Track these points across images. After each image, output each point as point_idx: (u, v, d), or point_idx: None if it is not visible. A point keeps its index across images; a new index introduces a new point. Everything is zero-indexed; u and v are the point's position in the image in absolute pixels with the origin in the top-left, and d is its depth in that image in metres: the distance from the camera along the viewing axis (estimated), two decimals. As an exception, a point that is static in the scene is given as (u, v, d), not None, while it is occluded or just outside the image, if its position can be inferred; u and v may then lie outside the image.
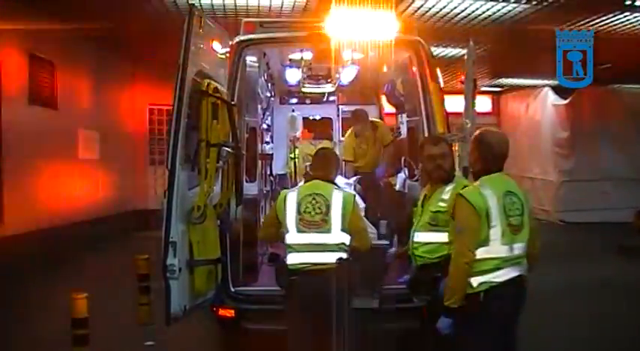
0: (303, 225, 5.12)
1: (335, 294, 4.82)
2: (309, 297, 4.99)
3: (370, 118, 9.42)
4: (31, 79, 11.72)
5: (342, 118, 11.01)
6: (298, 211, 5.15)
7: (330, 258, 4.99)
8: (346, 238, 5.13)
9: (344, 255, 5.04)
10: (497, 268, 4.16)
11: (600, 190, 17.65)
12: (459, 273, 4.21)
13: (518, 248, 4.23)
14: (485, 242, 4.17)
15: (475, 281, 4.18)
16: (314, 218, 5.12)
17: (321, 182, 5.35)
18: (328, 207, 5.14)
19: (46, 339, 7.44)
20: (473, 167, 4.56)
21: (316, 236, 5.10)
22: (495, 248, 4.17)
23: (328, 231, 5.11)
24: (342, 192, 5.37)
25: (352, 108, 10.74)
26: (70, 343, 6.01)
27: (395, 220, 6.94)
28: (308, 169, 9.45)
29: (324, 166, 5.53)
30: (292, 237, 5.16)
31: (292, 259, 5.16)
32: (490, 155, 4.40)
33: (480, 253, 4.17)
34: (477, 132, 4.66)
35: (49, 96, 12.46)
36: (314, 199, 5.18)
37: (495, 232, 4.16)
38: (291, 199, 5.22)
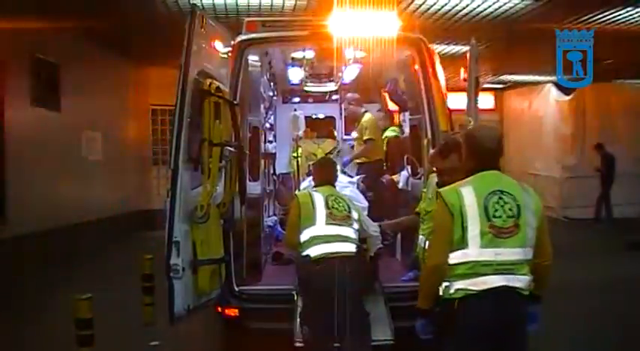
0: (333, 219, 5.61)
1: (357, 275, 5.44)
2: (333, 281, 5.32)
3: (364, 110, 9.36)
4: (34, 80, 11.73)
5: (344, 117, 11.00)
6: (327, 207, 5.66)
7: (350, 247, 5.54)
8: (357, 236, 5.73)
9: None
10: (475, 274, 3.81)
11: (603, 185, 17.63)
12: (429, 274, 4.02)
13: (508, 254, 3.83)
14: (461, 244, 3.85)
15: (452, 287, 3.89)
16: (341, 213, 5.68)
17: (333, 187, 6.03)
18: (349, 207, 5.78)
19: (51, 339, 7.45)
20: (465, 167, 4.21)
21: (342, 229, 5.60)
22: (473, 251, 3.83)
23: (350, 226, 5.67)
24: (353, 202, 6.11)
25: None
26: (74, 343, 6.02)
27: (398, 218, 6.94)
28: (311, 168, 9.47)
29: (328, 173, 6.20)
30: (320, 229, 5.58)
31: (317, 250, 5.50)
32: (480, 151, 4.08)
33: (456, 256, 3.87)
34: (466, 130, 4.56)
35: (53, 97, 12.47)
36: (337, 198, 5.80)
37: (472, 234, 3.83)
38: (317, 195, 5.76)
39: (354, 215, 5.76)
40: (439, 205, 4.02)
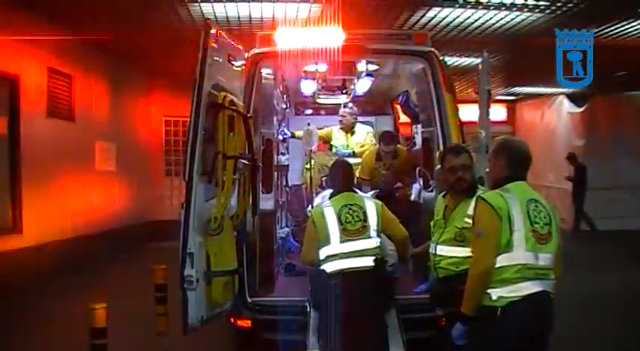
0: (347, 234, 5.52)
1: (374, 289, 5.45)
2: (347, 296, 5.35)
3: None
4: (49, 92, 11.84)
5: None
6: (340, 222, 5.56)
7: (367, 261, 5.48)
8: (378, 241, 5.63)
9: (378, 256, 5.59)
10: (518, 279, 3.91)
11: (616, 197, 17.55)
12: (478, 279, 4.02)
13: (545, 259, 3.98)
14: (507, 248, 3.94)
15: (494, 294, 3.95)
16: (355, 226, 5.56)
17: (349, 193, 5.86)
18: (365, 214, 5.63)
19: (65, 349, 7.51)
20: (496, 176, 4.33)
21: (358, 243, 5.53)
22: (518, 254, 3.93)
23: (368, 236, 5.57)
24: (369, 198, 6.01)
25: (367, 119, 10.79)
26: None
27: (410, 231, 6.95)
28: (324, 181, 9.51)
29: (345, 179, 6.02)
30: (335, 247, 5.53)
31: (333, 266, 5.50)
32: (517, 159, 4.26)
33: (502, 259, 3.94)
34: (499, 140, 4.61)
35: (67, 109, 12.57)
36: (350, 208, 5.65)
37: (518, 237, 3.93)
38: (329, 212, 5.63)
39: (372, 222, 5.63)
40: (485, 210, 4.05)
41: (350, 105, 9.76)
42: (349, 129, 9.61)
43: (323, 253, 5.56)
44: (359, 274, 5.42)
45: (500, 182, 4.22)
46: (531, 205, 4.05)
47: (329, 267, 5.50)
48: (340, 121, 9.68)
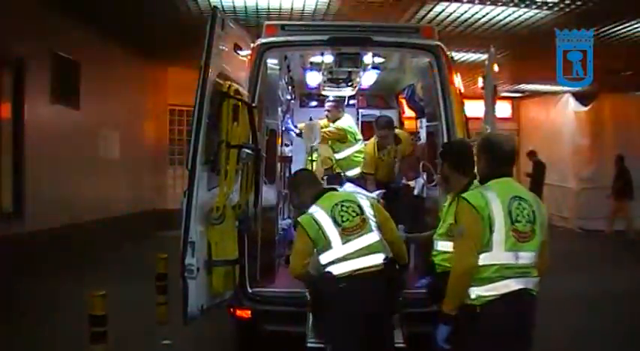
0: (347, 234, 5.02)
1: (385, 293, 5.02)
2: (361, 300, 4.92)
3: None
4: (54, 78, 11.81)
5: (362, 122, 11.01)
6: (336, 224, 5.04)
7: (377, 259, 5.00)
8: (380, 235, 5.14)
9: (388, 254, 5.10)
10: (498, 278, 3.91)
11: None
12: (459, 279, 4.00)
13: (526, 257, 3.97)
14: (486, 247, 3.93)
15: (472, 292, 3.95)
16: (354, 222, 5.05)
17: (331, 192, 5.43)
18: (360, 207, 5.15)
19: (64, 336, 7.50)
20: (481, 173, 4.34)
21: (361, 240, 5.03)
22: (497, 254, 3.93)
23: (370, 230, 5.08)
24: (359, 193, 5.69)
25: (372, 112, 10.76)
26: (88, 340, 6.06)
27: (413, 225, 6.94)
28: (325, 178, 9.45)
29: (317, 181, 5.73)
30: (339, 250, 5.01)
31: (341, 268, 4.99)
32: (499, 156, 4.22)
33: (481, 258, 3.94)
34: (483, 136, 4.61)
35: (72, 95, 12.55)
36: (343, 205, 5.13)
37: (498, 237, 3.92)
38: (321, 216, 5.09)
39: (369, 212, 5.14)
40: (466, 209, 4.05)
41: (334, 98, 9.83)
42: (334, 121, 9.68)
43: (325, 258, 5.06)
44: (369, 275, 4.96)
45: (484, 179, 4.24)
46: (514, 202, 4.02)
47: (336, 269, 5.00)
48: (326, 115, 9.78)
